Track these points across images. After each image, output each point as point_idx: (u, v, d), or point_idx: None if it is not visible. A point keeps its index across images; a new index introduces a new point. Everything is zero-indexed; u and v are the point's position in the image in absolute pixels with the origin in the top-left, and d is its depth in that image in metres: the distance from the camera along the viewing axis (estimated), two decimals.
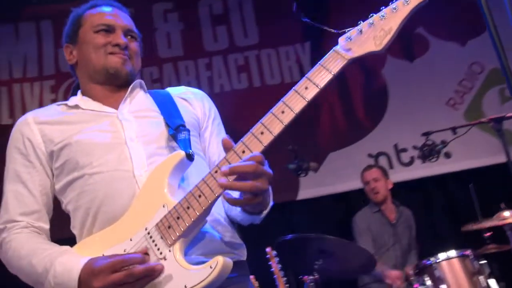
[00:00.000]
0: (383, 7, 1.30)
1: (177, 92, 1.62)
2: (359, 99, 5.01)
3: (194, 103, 1.61)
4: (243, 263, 1.47)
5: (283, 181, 4.20)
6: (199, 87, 5.18)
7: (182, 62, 5.00)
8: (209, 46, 5.05)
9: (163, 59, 4.99)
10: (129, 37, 1.57)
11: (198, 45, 5.04)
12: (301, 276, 2.94)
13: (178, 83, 4.94)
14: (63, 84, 4.88)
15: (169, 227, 1.25)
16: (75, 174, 1.38)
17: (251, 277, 2.76)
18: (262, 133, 1.27)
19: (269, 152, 1.33)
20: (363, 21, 1.30)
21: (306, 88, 1.27)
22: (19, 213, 1.38)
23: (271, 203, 1.37)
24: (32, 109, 4.78)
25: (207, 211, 1.26)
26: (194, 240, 1.32)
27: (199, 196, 1.25)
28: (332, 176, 4.73)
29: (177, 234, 1.24)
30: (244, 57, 5.05)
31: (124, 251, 1.27)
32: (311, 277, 2.90)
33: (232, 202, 1.24)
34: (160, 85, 4.93)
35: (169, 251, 1.24)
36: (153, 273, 1.21)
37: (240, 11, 5.17)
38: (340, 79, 5.23)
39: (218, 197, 1.24)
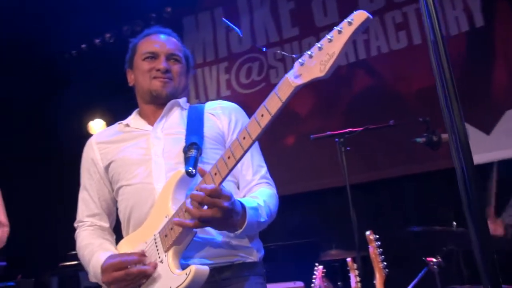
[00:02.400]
0: (334, 28, 1.25)
1: (209, 108, 1.81)
2: None
3: (221, 118, 1.77)
4: (253, 264, 1.63)
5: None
6: (356, 52, 5.08)
7: None
8: (365, 6, 4.86)
9: (320, 28, 5.04)
10: (172, 60, 1.80)
11: (353, 8, 4.87)
12: (423, 258, 2.82)
13: None
14: (234, 64, 5.45)
15: (165, 236, 1.50)
16: (117, 185, 1.73)
17: (349, 259, 2.80)
18: (229, 157, 1.40)
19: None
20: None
21: (262, 115, 1.34)
22: (86, 215, 1.80)
23: (250, 221, 1.47)
24: (212, 90, 5.48)
25: None
26: (198, 245, 1.54)
27: (185, 211, 1.45)
28: (509, 138, 4.12)
29: (170, 242, 1.48)
30: (403, 13, 4.71)
31: (142, 251, 1.57)
32: (434, 259, 2.76)
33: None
34: None
35: (165, 256, 1.49)
36: (146, 273, 1.48)
37: None
38: None
39: None
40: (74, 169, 1.95)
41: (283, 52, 1.55)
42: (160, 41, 1.83)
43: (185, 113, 1.80)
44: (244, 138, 1.37)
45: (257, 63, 5.33)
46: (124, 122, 1.85)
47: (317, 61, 1.26)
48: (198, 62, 5.55)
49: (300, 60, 1.30)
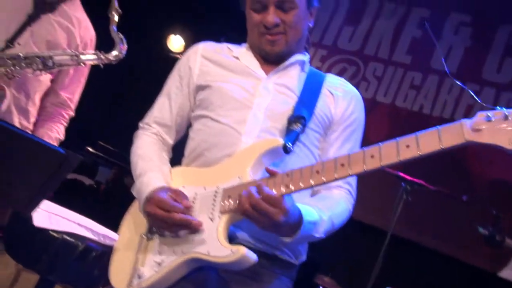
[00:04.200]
0: None
1: (330, 83, 1.60)
2: None
3: (339, 102, 1.56)
4: (291, 266, 1.48)
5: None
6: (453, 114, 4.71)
7: (449, 79, 4.65)
8: (489, 75, 4.54)
9: (431, 69, 4.74)
10: (283, 9, 1.50)
11: (476, 71, 4.59)
12: None
13: (435, 100, 4.63)
14: (332, 57, 5.19)
15: (229, 197, 1.34)
16: (204, 112, 1.54)
17: None
18: (342, 165, 1.23)
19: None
20: None
21: (408, 146, 1.15)
22: (156, 121, 1.62)
23: (303, 234, 1.31)
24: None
25: None
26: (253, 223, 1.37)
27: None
28: None
29: (231, 207, 1.32)
30: None
31: (196, 194, 1.42)
32: None
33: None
34: (416, 92, 4.75)
35: (218, 216, 1.33)
36: (189, 225, 1.33)
37: None
38: None
39: None
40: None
41: (472, 93, 1.34)
42: None
43: (303, 76, 1.58)
44: (372, 156, 1.18)
45: (353, 68, 5.07)
46: (234, 51, 1.63)
47: (510, 129, 1.05)
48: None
49: (490, 113, 1.09)
